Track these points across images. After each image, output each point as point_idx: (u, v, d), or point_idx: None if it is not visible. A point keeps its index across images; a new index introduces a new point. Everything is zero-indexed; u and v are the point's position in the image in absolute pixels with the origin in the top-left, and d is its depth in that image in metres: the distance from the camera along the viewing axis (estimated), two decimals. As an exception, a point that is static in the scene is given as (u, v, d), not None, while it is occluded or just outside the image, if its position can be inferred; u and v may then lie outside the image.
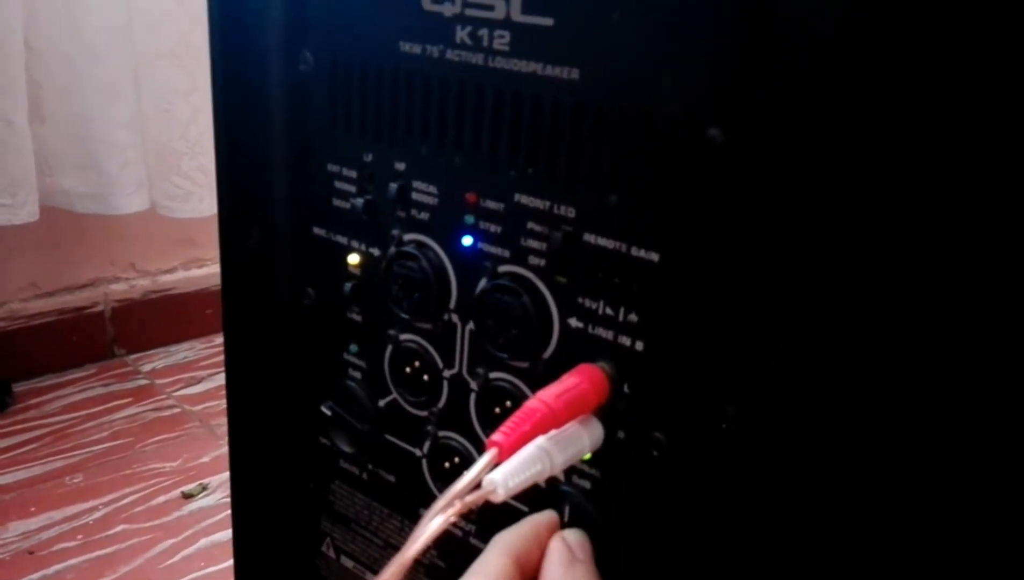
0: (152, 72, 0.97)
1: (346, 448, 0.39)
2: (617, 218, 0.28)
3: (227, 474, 1.02)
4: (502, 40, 0.29)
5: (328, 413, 0.39)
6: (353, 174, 0.35)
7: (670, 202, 0.27)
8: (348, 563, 0.42)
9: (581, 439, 0.29)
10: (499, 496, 0.26)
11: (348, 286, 0.37)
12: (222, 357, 1.41)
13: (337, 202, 0.36)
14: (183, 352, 1.23)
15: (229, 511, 0.94)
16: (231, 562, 0.84)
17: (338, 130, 0.35)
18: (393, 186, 0.34)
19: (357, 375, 0.38)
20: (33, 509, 0.89)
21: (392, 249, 0.34)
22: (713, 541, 0.29)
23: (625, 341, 0.29)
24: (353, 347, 0.38)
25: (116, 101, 0.95)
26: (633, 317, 0.29)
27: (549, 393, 0.28)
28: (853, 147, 0.23)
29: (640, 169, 0.27)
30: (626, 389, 0.29)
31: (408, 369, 0.36)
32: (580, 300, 0.30)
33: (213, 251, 1.27)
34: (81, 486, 0.93)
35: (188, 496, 0.93)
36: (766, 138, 0.24)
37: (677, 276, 0.27)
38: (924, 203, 0.23)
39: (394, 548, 0.39)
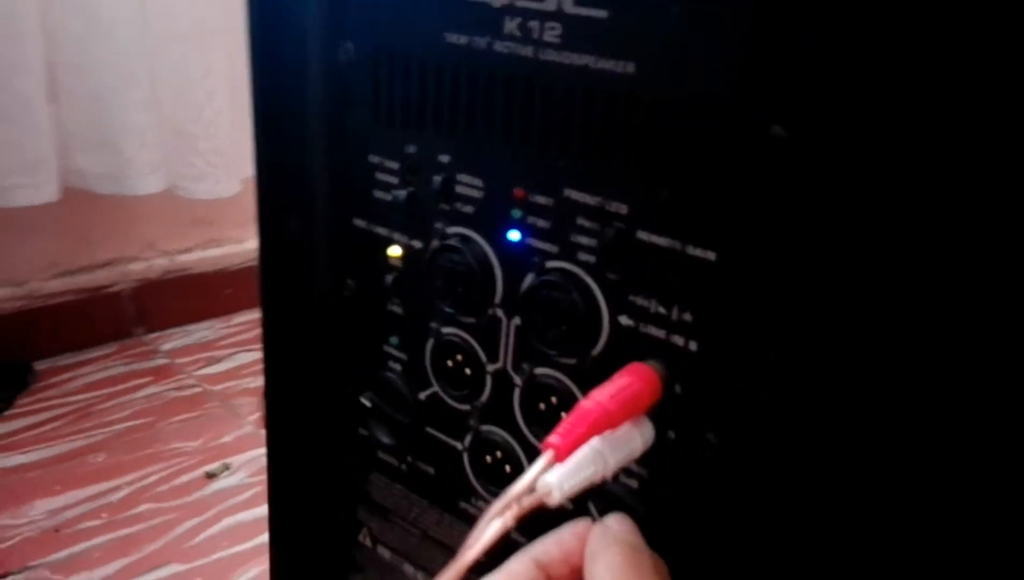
0: (167, 54, 0.97)
1: (385, 440, 0.39)
2: (672, 215, 0.28)
3: (249, 454, 1.03)
4: (553, 32, 0.28)
5: (368, 404, 0.39)
6: (395, 166, 0.35)
7: (728, 199, 0.26)
8: (385, 553, 0.42)
9: (633, 440, 0.28)
10: (554, 499, 0.26)
11: (389, 278, 0.36)
12: (241, 336, 1.43)
13: (378, 194, 0.36)
14: (202, 331, 1.23)
15: (252, 491, 0.94)
16: (256, 541, 0.85)
17: (380, 121, 0.35)
18: (437, 179, 0.33)
19: (397, 367, 0.38)
20: (57, 487, 0.89)
21: (435, 242, 0.34)
22: (762, 542, 0.28)
23: (678, 340, 0.29)
24: (393, 339, 0.38)
25: (131, 83, 0.95)
26: (687, 316, 0.28)
27: (603, 393, 0.27)
28: (921, 144, 0.22)
29: (698, 165, 0.26)
30: (678, 389, 0.29)
31: (450, 362, 0.36)
32: (631, 298, 0.29)
33: (230, 231, 1.27)
34: (104, 465, 0.94)
35: (211, 476, 0.94)
36: (830, 134, 0.24)
37: (735, 275, 0.27)
38: (996, 201, 0.22)
39: (432, 539, 0.39)
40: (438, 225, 0.34)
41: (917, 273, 0.23)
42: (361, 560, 0.43)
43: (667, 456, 0.30)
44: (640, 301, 0.29)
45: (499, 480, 0.36)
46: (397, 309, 0.37)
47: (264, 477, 0.93)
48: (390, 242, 0.36)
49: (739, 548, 0.29)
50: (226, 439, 1.01)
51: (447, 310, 0.34)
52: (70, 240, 1.10)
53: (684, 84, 0.26)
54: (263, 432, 1.00)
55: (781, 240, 0.25)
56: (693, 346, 0.28)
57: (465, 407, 0.36)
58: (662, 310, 0.29)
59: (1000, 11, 0.21)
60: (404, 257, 0.36)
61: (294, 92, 0.36)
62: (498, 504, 0.25)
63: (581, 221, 0.30)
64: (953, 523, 0.24)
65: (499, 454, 0.35)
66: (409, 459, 0.39)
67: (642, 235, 0.28)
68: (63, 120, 0.95)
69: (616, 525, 0.28)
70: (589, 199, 0.29)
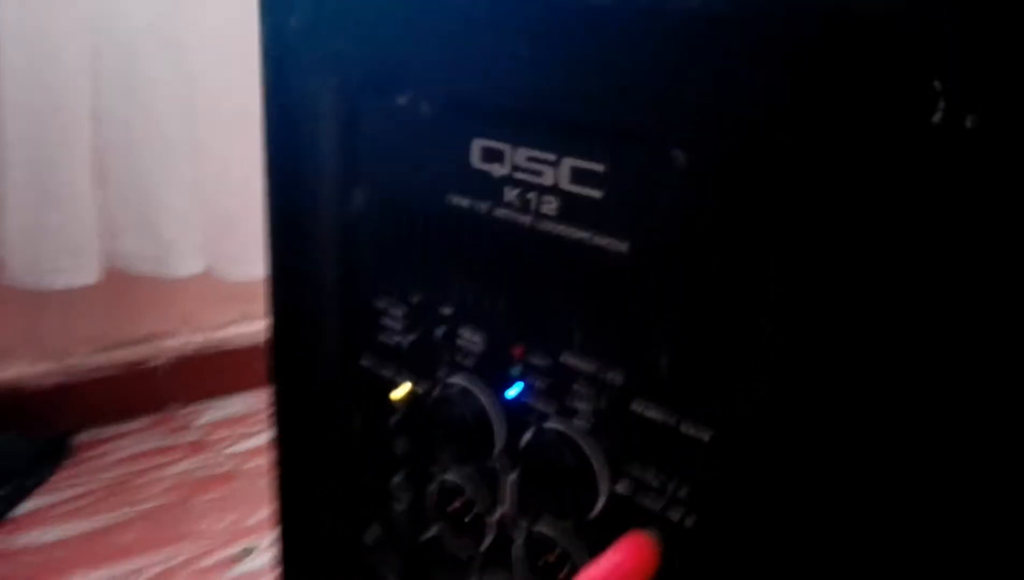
0: (210, 139, 1.00)
1: (390, 577, 0.39)
2: (667, 390, 0.27)
3: (272, 535, 1.02)
4: (550, 205, 0.29)
5: (371, 542, 0.39)
6: (399, 313, 0.35)
7: (723, 378, 0.26)
8: None
9: (627, 615, 0.28)
10: None
11: (393, 420, 0.37)
12: (270, 412, 1.42)
13: (383, 338, 0.36)
14: (235, 406, 1.25)
15: (273, 576, 0.94)
16: (276, 631, 0.85)
17: (386, 269, 0.35)
18: (439, 331, 0.33)
19: (401, 506, 0.38)
20: (86, 566, 0.90)
21: (436, 391, 0.34)
22: None
23: (675, 515, 0.28)
24: (397, 478, 0.38)
25: (175, 166, 0.98)
26: (683, 492, 0.28)
27: (593, 573, 0.27)
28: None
29: (689, 346, 0.26)
30: (677, 563, 0.28)
31: (450, 508, 0.36)
32: (627, 467, 0.29)
33: (263, 306, 1.29)
34: (135, 543, 0.95)
35: (236, 559, 0.94)
36: (821, 324, 0.24)
37: (730, 455, 0.26)
38: None
39: (436, 679, 0.39)
40: (440, 373, 0.34)
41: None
42: None
43: (664, 628, 0.29)
44: (635, 471, 0.29)
45: (501, 630, 0.35)
46: (400, 449, 0.37)
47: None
48: (394, 385, 0.36)
49: None
50: (250, 521, 1.02)
51: (447, 457, 0.35)
52: (108, 317, 1.13)
53: (677, 262, 0.26)
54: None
55: (771, 419, 0.25)
56: (690, 522, 0.28)
57: (467, 554, 0.36)
58: (657, 483, 0.28)
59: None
60: (407, 400, 0.36)
61: (306, 232, 0.37)
62: None
63: (577, 386, 0.30)
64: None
65: (501, 604, 0.35)
66: (414, 598, 0.39)
67: (636, 407, 0.28)
68: (107, 204, 0.99)
69: None
70: (585, 366, 0.29)
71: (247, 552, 0.95)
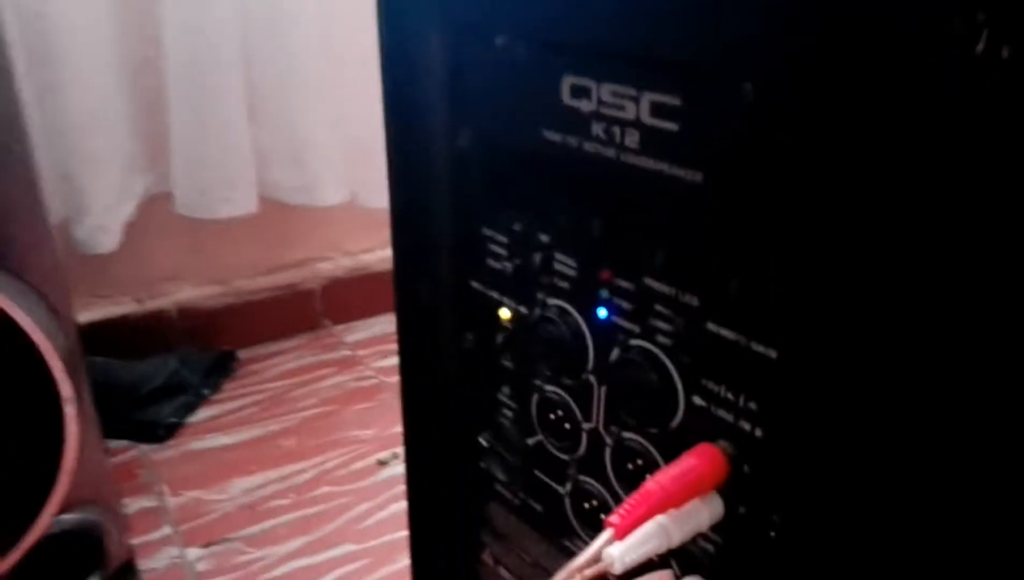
0: (349, 77, 1.05)
1: (501, 476, 0.43)
2: (738, 312, 0.29)
3: (416, 444, 1.10)
4: (632, 138, 0.31)
5: (484, 444, 0.43)
6: (504, 240, 0.39)
7: (789, 302, 0.28)
8: (505, 574, 0.47)
9: (700, 515, 0.31)
10: (617, 569, 0.29)
11: (500, 337, 0.40)
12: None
13: (490, 262, 0.40)
14: (381, 325, 1.34)
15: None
16: (417, 530, 0.93)
17: (490, 201, 0.38)
18: (538, 256, 0.36)
19: (509, 414, 0.42)
20: (253, 468, 1.01)
21: (536, 311, 0.38)
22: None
23: (745, 426, 0.30)
24: (505, 389, 0.42)
25: (319, 103, 1.04)
26: (752, 405, 0.30)
27: (667, 475, 0.30)
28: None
29: (759, 270, 0.28)
30: (746, 469, 0.31)
31: (552, 416, 0.39)
32: (703, 381, 0.31)
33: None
34: (293, 449, 1.06)
35: (382, 463, 1.03)
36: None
37: (794, 372, 0.28)
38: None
39: (542, 568, 0.43)
40: (539, 295, 0.37)
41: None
42: (484, 577, 0.48)
43: (738, 529, 0.32)
44: (711, 385, 0.31)
45: (595, 525, 0.39)
46: (508, 364, 0.41)
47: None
48: (500, 305, 0.40)
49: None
50: (396, 429, 1.10)
51: (547, 372, 0.38)
52: (267, 244, 1.23)
53: (748, 194, 0.28)
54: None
55: (839, 341, 0.27)
56: (759, 433, 0.30)
57: (565, 457, 0.39)
58: (730, 396, 0.31)
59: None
60: (512, 319, 0.40)
61: (422, 169, 0.41)
62: (560, 575, 0.29)
63: (658, 307, 0.32)
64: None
65: (595, 503, 0.38)
66: (521, 495, 0.43)
67: (711, 327, 0.30)
68: (260, 139, 1.07)
69: None
70: (664, 289, 0.32)
71: (394, 457, 1.04)
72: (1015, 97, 0.20)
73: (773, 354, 0.29)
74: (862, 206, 0.25)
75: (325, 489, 0.99)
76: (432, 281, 0.43)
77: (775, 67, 0.26)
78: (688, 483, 0.30)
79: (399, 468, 1.03)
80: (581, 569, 0.28)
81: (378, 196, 1.13)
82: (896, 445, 0.26)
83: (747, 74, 0.27)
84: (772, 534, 0.31)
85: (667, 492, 0.29)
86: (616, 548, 0.29)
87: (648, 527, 0.29)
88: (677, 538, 0.30)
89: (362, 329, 1.34)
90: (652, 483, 0.30)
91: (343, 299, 1.32)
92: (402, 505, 0.96)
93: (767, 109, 0.27)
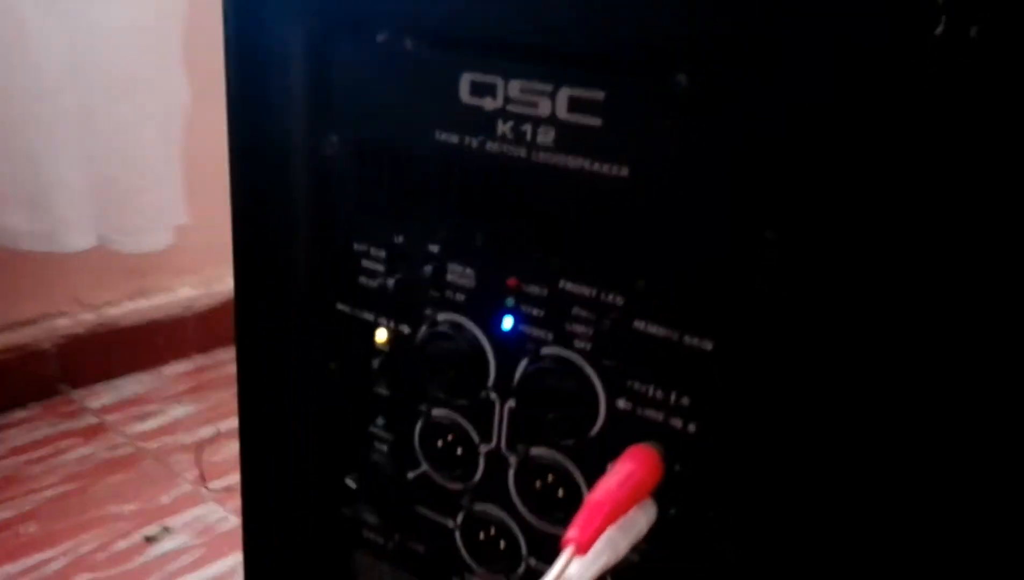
0: (99, 107, 0.94)
1: (371, 519, 0.39)
2: (670, 305, 0.29)
3: (189, 514, 1.00)
4: (546, 136, 0.30)
5: (353, 486, 0.39)
6: (382, 254, 0.35)
7: (722, 294, 0.28)
8: (372, 630, 0.42)
9: (639, 522, 0.29)
10: (574, 590, 0.27)
11: (376, 362, 0.37)
12: (173, 389, 1.39)
13: (364, 280, 0.36)
14: (131, 386, 1.19)
15: (196, 553, 0.92)
16: (206, 607, 0.83)
17: (365, 211, 0.35)
18: (427, 268, 0.34)
19: (383, 448, 0.38)
20: (-7, 563, 0.85)
21: (425, 328, 0.35)
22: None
23: (677, 423, 0.30)
24: (380, 420, 0.38)
25: (64, 138, 0.92)
26: (685, 400, 0.30)
27: (611, 482, 0.28)
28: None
29: (692, 263, 0.28)
30: (677, 468, 0.30)
31: (440, 443, 0.36)
32: (628, 383, 0.31)
33: (160, 281, 1.24)
34: (37, 535, 0.90)
35: (150, 539, 0.91)
36: (822, 229, 0.26)
37: (731, 363, 0.28)
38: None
39: (423, 615, 0.40)
40: (427, 311, 0.35)
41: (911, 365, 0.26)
42: (346, 638, 0.43)
43: (668, 533, 0.31)
44: (637, 386, 0.30)
45: (492, 556, 0.36)
46: (383, 391, 0.37)
47: (209, 539, 0.91)
48: (376, 326, 0.37)
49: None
50: (164, 500, 0.98)
51: (438, 393, 0.35)
52: (-9, 298, 1.06)
53: (680, 185, 0.28)
54: (203, 490, 0.98)
55: (774, 330, 0.27)
56: (692, 428, 0.30)
57: (457, 486, 0.36)
58: (659, 394, 0.30)
59: None
60: (391, 341, 0.36)
61: (275, 180, 0.37)
62: (523, 601, 0.26)
63: (577, 311, 0.31)
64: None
65: (492, 531, 0.36)
66: (396, 538, 0.39)
67: (639, 325, 0.30)
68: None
69: None
70: (585, 290, 0.31)
71: (164, 531, 0.92)
72: (987, 78, 0.21)
73: (709, 346, 0.29)
74: (803, 191, 0.26)
75: (84, 576, 0.85)
76: (284, 307, 0.39)
77: (710, 56, 0.26)
78: (632, 488, 0.29)
79: (172, 543, 0.91)
80: (543, 593, 0.26)
81: (134, 239, 1.02)
82: (836, 429, 0.27)
83: (680, 65, 0.27)
84: (707, 531, 0.30)
85: (616, 501, 0.28)
86: (574, 567, 0.27)
87: (599, 541, 0.28)
88: (623, 549, 0.29)
89: (108, 392, 1.19)
90: (599, 493, 0.28)
91: (83, 360, 1.17)
92: (181, 584, 0.86)
93: (700, 99, 0.27)
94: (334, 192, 0.36)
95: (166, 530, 0.93)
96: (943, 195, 0.23)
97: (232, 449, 1.10)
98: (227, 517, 0.96)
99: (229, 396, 1.31)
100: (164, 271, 1.26)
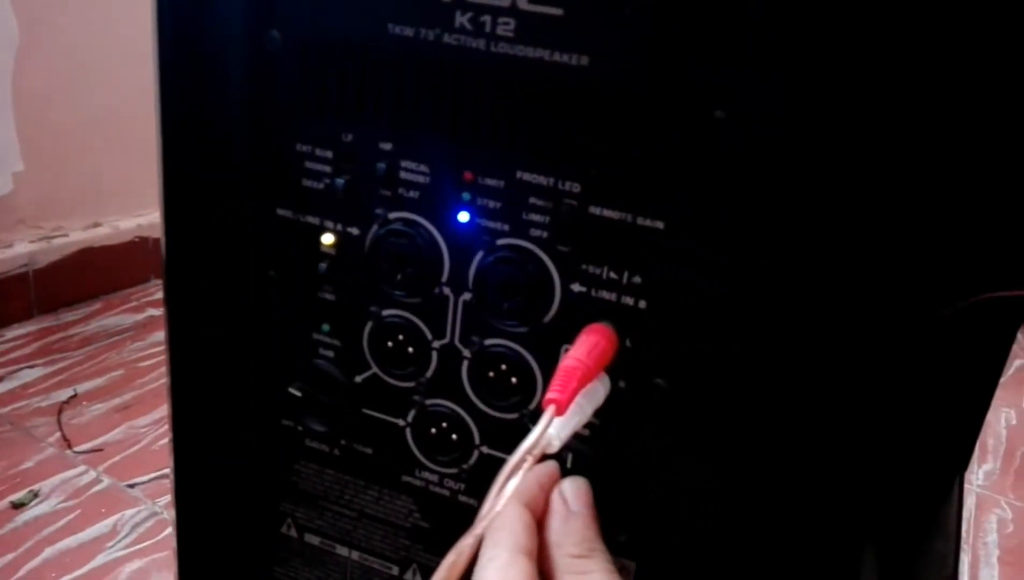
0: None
1: (318, 427, 0.40)
2: (623, 191, 0.31)
3: (58, 478, 0.95)
4: (507, 27, 0.31)
5: (298, 394, 0.39)
6: (328, 154, 0.35)
7: (675, 175, 0.30)
8: (314, 539, 0.43)
9: (599, 391, 0.32)
10: (554, 447, 0.29)
11: (322, 266, 0.37)
12: (19, 352, 1.32)
13: (308, 182, 0.36)
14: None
15: (70, 516, 0.87)
16: (88, 567, 0.79)
17: (310, 111, 0.35)
18: (381, 166, 0.34)
19: (329, 354, 0.39)
20: None
21: (376, 228, 0.35)
22: (708, 478, 0.33)
23: (628, 301, 0.32)
24: (325, 326, 0.38)
25: None
26: (637, 279, 0.32)
27: (580, 351, 0.30)
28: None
29: (647, 147, 0.30)
30: (628, 343, 0.33)
31: (390, 343, 0.37)
32: (583, 266, 0.33)
33: (-2, 234, 1.15)
34: None
35: (19, 506, 0.85)
36: (762, 116, 0.28)
37: (681, 241, 0.31)
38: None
39: (370, 517, 0.41)
40: (378, 211, 0.35)
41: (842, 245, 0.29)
42: (285, 551, 0.43)
43: (618, 404, 0.33)
44: (592, 269, 0.33)
45: (444, 448, 0.38)
46: (329, 297, 0.38)
47: (80, 500, 0.87)
48: (321, 230, 0.37)
49: (687, 488, 0.34)
50: (28, 464, 0.93)
51: (391, 292, 0.36)
52: None
53: (637, 75, 0.30)
54: (68, 453, 0.94)
55: (721, 209, 0.30)
56: (643, 305, 0.32)
57: (408, 384, 0.37)
58: (613, 275, 0.32)
59: None
60: (337, 244, 0.37)
61: (208, 82, 0.36)
62: (512, 460, 0.28)
63: (534, 200, 0.33)
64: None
65: (444, 425, 0.37)
66: (343, 443, 0.40)
67: (594, 210, 0.32)
68: None
69: (569, 490, 0.32)
70: (542, 180, 0.32)
71: (33, 496, 0.87)
72: None
73: (660, 225, 0.31)
74: (751, 71, 0.28)
75: (-53, 548, 0.79)
76: (218, 218, 0.38)
77: (666, -51, 0.28)
78: (599, 356, 0.31)
79: (43, 508, 0.86)
80: (531, 450, 0.28)
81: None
82: (775, 304, 0.30)
83: (638, -44, 0.29)
84: (656, 399, 0.33)
85: (587, 367, 0.30)
86: (553, 427, 0.29)
87: (571, 405, 0.30)
88: (588, 413, 0.31)
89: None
90: (571, 361, 0.30)
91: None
92: (57, 547, 0.82)
93: (656, -10, 0.29)
94: (274, 92, 0.35)
95: (34, 495, 0.87)
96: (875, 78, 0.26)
97: (93, 411, 1.04)
98: (99, 478, 0.92)
99: (84, 357, 1.24)
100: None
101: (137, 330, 1.27)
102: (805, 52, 0.27)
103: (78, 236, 1.30)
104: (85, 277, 1.32)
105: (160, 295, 1.41)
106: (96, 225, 1.34)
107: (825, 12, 0.27)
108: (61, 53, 1.13)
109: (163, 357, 0.41)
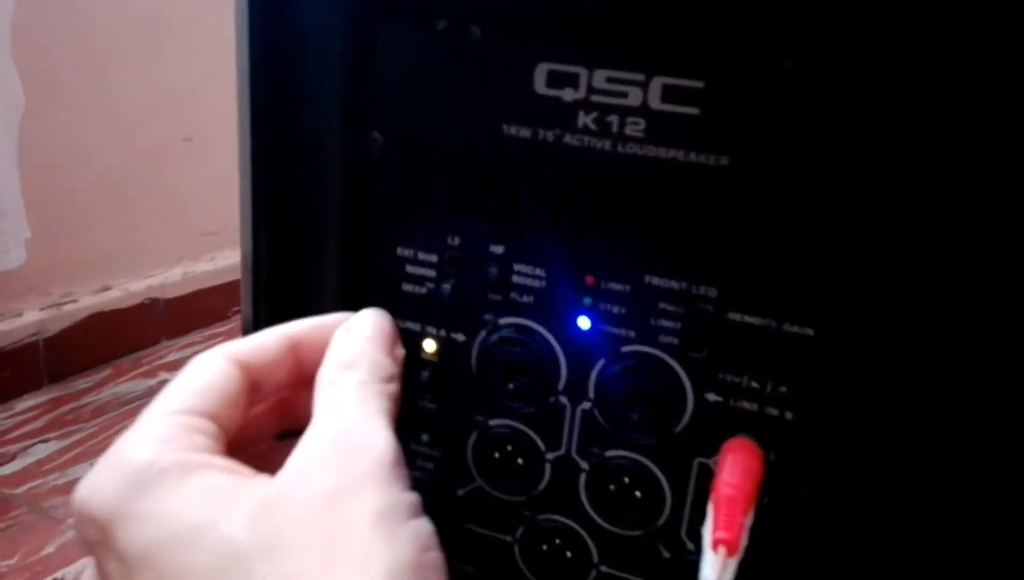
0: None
1: (416, 543, 0.37)
2: (766, 296, 0.29)
3: (80, 563, 0.91)
4: (636, 127, 0.29)
5: (394, 510, 0.37)
6: (432, 258, 0.33)
7: (824, 278, 0.28)
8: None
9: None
10: (717, 589, 0.26)
11: (424, 374, 0.34)
12: (30, 426, 1.28)
13: (408, 287, 0.34)
14: (-16, 426, 1.07)
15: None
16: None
17: (412, 215, 0.33)
18: (493, 270, 0.32)
19: (428, 466, 0.36)
20: None
21: (485, 334, 0.33)
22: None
23: (772, 412, 0.30)
24: (424, 437, 0.36)
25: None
26: (783, 389, 0.30)
27: (735, 477, 0.28)
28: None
29: (798, 246, 0.28)
30: (771, 457, 0.30)
31: (498, 454, 0.34)
32: (720, 375, 0.30)
33: (4, 304, 1.12)
34: (-101, 608, 0.78)
35: (44, 595, 0.81)
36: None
37: (833, 350, 0.29)
38: None
39: (471, 637, 0.38)
40: (488, 316, 0.33)
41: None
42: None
43: (760, 521, 0.31)
44: (730, 378, 0.30)
45: (557, 566, 0.35)
46: (429, 405, 0.35)
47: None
48: (423, 336, 0.34)
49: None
50: (49, 550, 0.89)
51: (500, 402, 0.33)
52: None
53: (782, 174, 0.28)
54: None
55: (874, 316, 0.28)
56: (789, 416, 0.30)
57: (519, 498, 0.35)
58: (755, 384, 0.30)
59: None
60: (440, 351, 0.34)
61: (302, 186, 0.34)
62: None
63: (664, 306, 0.30)
64: None
65: (558, 540, 0.35)
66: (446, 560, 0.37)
67: (734, 316, 0.30)
68: None
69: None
70: (674, 285, 0.30)
71: (59, 586, 0.83)
72: None
73: (810, 332, 0.29)
74: (904, 176, 0.26)
75: (-30, 649, 0.75)
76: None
77: (815, 42, 0.26)
78: (755, 481, 0.28)
79: (67, 596, 0.82)
80: (703, 599, 0.25)
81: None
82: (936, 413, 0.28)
83: (784, 50, 0.27)
84: (802, 514, 0.30)
85: (746, 495, 0.28)
86: (727, 572, 0.26)
87: (731, 538, 0.27)
88: (745, 542, 0.28)
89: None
90: (728, 489, 0.28)
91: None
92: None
93: (805, 86, 0.27)
94: (374, 195, 0.33)
95: (57, 583, 0.83)
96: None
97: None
98: (124, 561, 0.87)
99: (97, 428, 1.21)
100: (10, 295, 1.14)
101: (150, 396, 1.23)
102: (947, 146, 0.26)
103: (88, 301, 1.27)
104: (95, 342, 1.28)
105: (172, 357, 1.37)
106: (106, 289, 1.31)
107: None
108: (66, 117, 1.12)
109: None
